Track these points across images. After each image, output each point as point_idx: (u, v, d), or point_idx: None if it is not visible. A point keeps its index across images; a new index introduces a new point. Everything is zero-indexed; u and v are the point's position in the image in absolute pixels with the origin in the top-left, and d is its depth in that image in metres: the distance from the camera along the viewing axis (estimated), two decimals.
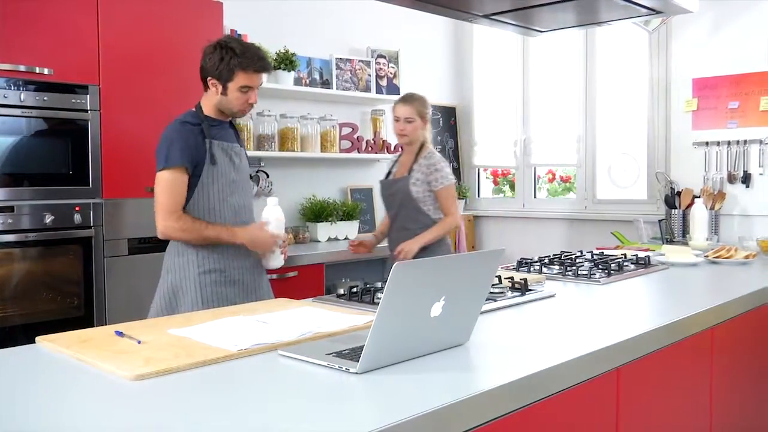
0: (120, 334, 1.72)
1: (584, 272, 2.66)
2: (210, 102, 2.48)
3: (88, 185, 2.99)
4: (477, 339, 1.68)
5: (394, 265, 1.33)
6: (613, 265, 2.78)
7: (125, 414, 1.23)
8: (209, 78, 2.44)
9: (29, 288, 2.89)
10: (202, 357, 1.50)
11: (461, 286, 1.54)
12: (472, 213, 5.53)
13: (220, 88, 2.44)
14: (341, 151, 4.61)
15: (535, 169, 5.34)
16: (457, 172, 5.68)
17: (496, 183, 5.69)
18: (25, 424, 1.16)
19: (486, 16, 2.65)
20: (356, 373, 1.40)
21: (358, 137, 4.68)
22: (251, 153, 4.09)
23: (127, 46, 3.11)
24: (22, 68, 2.81)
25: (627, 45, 4.74)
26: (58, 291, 2.99)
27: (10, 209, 2.80)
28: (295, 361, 1.51)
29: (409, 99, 3.32)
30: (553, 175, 5.37)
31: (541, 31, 2.97)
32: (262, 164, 4.31)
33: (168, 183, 2.37)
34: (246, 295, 2.50)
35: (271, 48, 4.20)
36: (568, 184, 5.31)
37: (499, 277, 2.34)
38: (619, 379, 1.70)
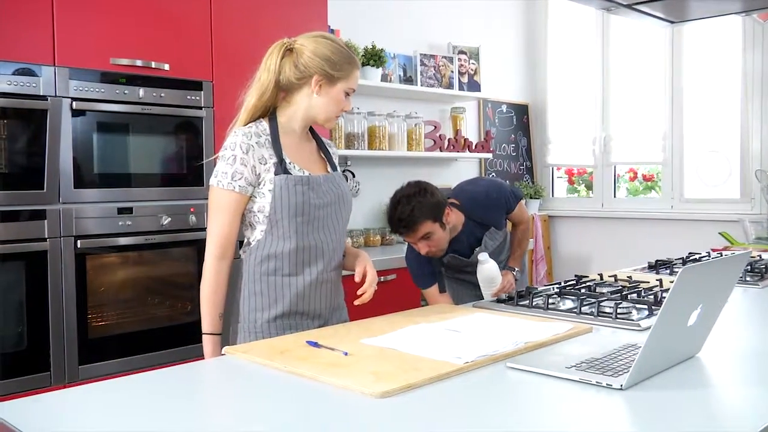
0: (314, 344, 1.60)
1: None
2: None
3: (203, 185, 2.86)
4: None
5: (682, 269, 1.19)
6: (759, 267, 2.63)
7: None
8: None
9: (144, 293, 2.78)
10: (433, 372, 1.37)
11: (713, 292, 1.40)
12: (546, 213, 5.38)
13: None
14: (425, 149, 4.48)
15: (615, 167, 5.18)
16: (529, 171, 5.54)
17: (571, 182, 5.53)
18: None
19: (629, 6, 2.51)
20: (620, 388, 1.27)
21: (440, 135, 4.54)
22: (340, 152, 3.97)
23: (238, 42, 2.98)
24: (138, 63, 2.70)
25: (717, 37, 4.57)
26: (169, 295, 2.87)
27: (129, 210, 2.68)
28: (531, 374, 1.38)
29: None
30: (635, 173, 5.20)
31: (673, 22, 2.82)
32: (349, 163, 4.19)
33: None
34: None
35: (360, 44, 4.08)
36: (650, 183, 5.14)
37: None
38: None
